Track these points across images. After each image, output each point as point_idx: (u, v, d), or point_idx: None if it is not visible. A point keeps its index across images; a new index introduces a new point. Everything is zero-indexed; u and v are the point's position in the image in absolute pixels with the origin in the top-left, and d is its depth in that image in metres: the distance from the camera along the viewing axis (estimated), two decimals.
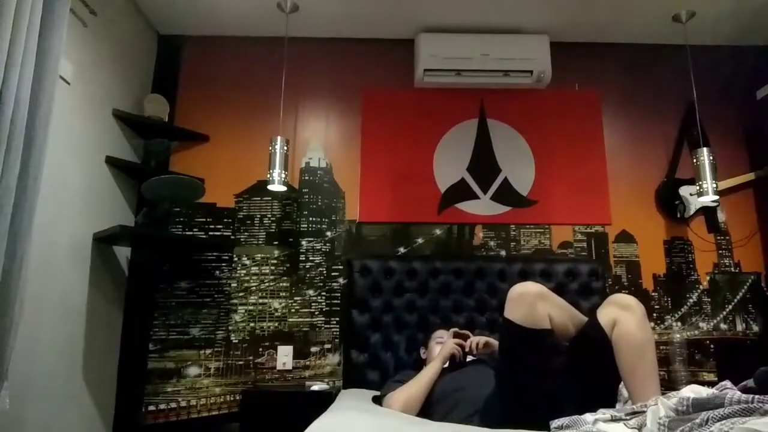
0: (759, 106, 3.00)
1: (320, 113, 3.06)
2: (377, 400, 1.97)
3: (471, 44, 2.92)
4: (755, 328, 2.87)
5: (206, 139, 2.99)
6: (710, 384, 2.00)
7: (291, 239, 2.90)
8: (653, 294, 2.89)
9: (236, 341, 2.77)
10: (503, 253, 2.92)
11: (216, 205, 2.92)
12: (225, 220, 2.91)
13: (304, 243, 2.90)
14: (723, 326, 2.87)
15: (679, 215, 2.95)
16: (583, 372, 1.50)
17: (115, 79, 2.64)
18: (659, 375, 1.49)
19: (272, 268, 2.86)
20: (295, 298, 2.83)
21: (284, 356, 2.75)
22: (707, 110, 2.98)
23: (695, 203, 2.91)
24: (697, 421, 1.01)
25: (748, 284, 2.91)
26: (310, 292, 2.84)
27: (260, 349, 2.76)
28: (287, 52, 2.87)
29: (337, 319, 2.81)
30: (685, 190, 2.96)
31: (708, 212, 2.97)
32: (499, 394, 1.55)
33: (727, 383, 1.24)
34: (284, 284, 2.85)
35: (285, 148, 2.65)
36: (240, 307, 2.81)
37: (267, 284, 2.84)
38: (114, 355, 2.67)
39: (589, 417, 1.26)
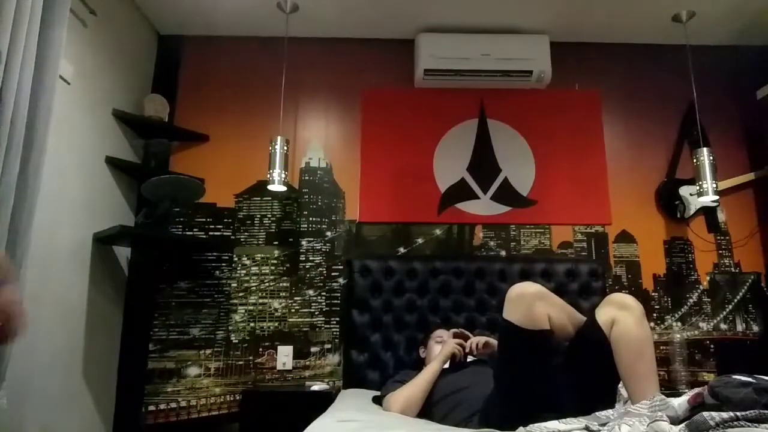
0: (759, 106, 3.00)
1: (320, 113, 3.06)
2: (377, 400, 1.98)
3: (471, 44, 2.92)
4: (755, 328, 2.87)
5: (206, 139, 2.99)
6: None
7: (291, 239, 2.90)
8: (653, 294, 2.89)
9: (236, 341, 2.77)
10: (503, 253, 2.92)
11: (216, 205, 2.92)
12: (225, 220, 2.91)
13: (304, 243, 2.90)
14: (723, 326, 2.87)
15: (679, 215, 2.95)
16: (583, 372, 1.50)
17: (115, 79, 2.64)
18: (659, 375, 1.50)
19: (272, 268, 2.86)
20: (295, 298, 2.83)
21: (284, 356, 2.75)
22: (707, 110, 2.97)
23: (695, 203, 2.91)
24: None
25: (748, 284, 2.91)
26: (310, 292, 2.85)
27: (260, 349, 2.76)
28: (287, 52, 2.88)
29: (337, 319, 2.81)
30: (685, 190, 2.95)
31: (708, 212, 2.97)
32: (499, 394, 1.55)
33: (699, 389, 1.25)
34: (284, 284, 2.85)
35: (285, 148, 2.65)
36: (240, 307, 2.81)
37: (267, 284, 2.85)
38: (114, 355, 2.67)
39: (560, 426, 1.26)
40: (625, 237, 2.95)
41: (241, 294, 2.83)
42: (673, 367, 2.80)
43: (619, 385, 1.54)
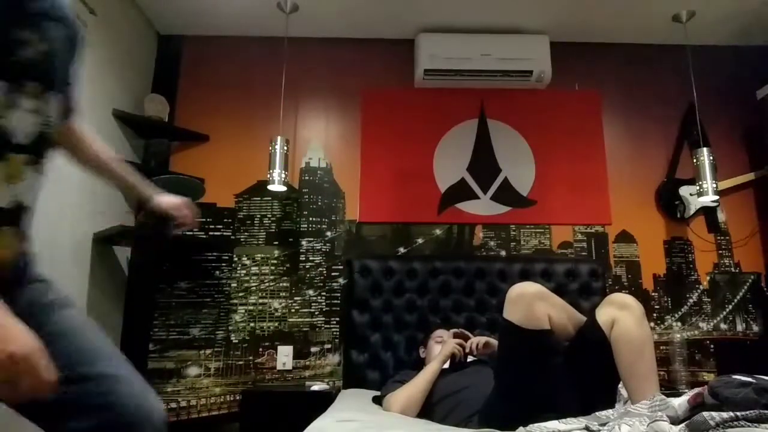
0: (759, 106, 2.99)
1: (320, 113, 3.06)
2: (377, 401, 1.98)
3: (471, 44, 2.92)
4: (755, 328, 2.87)
5: (206, 139, 2.99)
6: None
7: (291, 239, 2.90)
8: (653, 294, 2.89)
9: (236, 341, 2.77)
10: (503, 253, 2.92)
11: (216, 205, 2.92)
12: (225, 220, 2.91)
13: (304, 243, 2.90)
14: (723, 326, 2.87)
15: (679, 215, 2.95)
16: (583, 372, 1.50)
17: (115, 79, 2.64)
18: (659, 375, 1.50)
19: (272, 268, 2.86)
20: (295, 298, 2.83)
21: (284, 356, 2.75)
22: (707, 110, 2.97)
23: (695, 203, 2.91)
24: None
25: (748, 284, 2.91)
26: (310, 292, 2.85)
27: (260, 349, 2.76)
28: (287, 52, 2.88)
29: (337, 319, 2.81)
30: (685, 190, 2.96)
31: (708, 212, 2.97)
32: (499, 394, 1.55)
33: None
34: (284, 284, 2.85)
35: (285, 148, 2.65)
36: (240, 307, 2.81)
37: (267, 284, 2.85)
38: None
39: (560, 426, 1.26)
40: (625, 237, 2.96)
41: (241, 294, 2.83)
42: (673, 367, 2.80)
43: (619, 385, 1.54)
